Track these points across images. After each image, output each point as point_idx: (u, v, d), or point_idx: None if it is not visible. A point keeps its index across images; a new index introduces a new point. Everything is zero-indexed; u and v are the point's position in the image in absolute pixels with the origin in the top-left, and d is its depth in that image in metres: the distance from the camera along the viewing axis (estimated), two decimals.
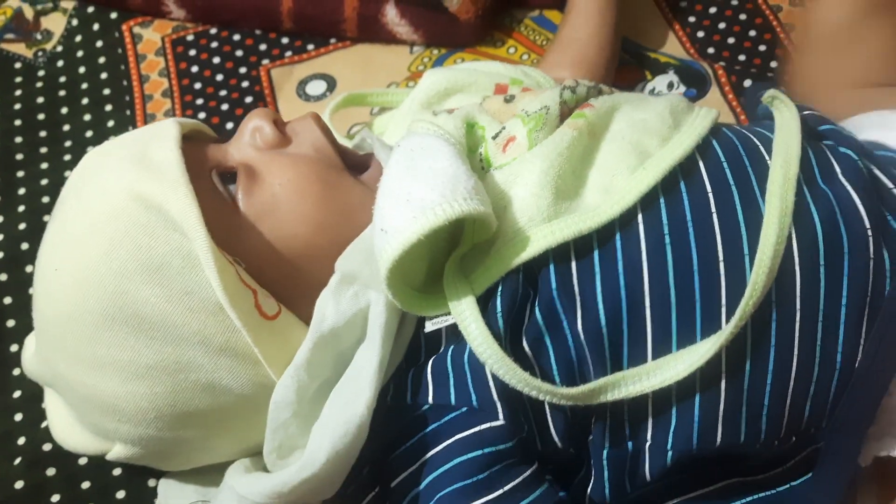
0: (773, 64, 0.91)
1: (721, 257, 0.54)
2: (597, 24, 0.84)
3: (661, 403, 0.54)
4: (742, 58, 0.92)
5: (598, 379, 0.53)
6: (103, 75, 1.00)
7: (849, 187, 0.57)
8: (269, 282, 0.56)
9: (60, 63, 1.02)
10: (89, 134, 0.96)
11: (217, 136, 0.66)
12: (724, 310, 0.54)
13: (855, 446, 0.55)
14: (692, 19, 0.96)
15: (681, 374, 0.52)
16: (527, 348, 0.55)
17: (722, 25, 0.94)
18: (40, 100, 0.99)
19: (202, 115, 0.95)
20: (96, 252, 0.54)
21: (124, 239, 0.53)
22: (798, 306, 0.54)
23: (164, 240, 0.53)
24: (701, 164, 0.58)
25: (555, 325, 0.55)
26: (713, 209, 0.56)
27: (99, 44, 1.03)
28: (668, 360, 0.53)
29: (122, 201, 0.54)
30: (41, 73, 1.02)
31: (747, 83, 0.88)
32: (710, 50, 0.93)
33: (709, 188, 0.57)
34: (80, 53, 1.03)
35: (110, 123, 0.96)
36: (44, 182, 0.92)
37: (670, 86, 0.90)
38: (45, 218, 0.89)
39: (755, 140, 0.60)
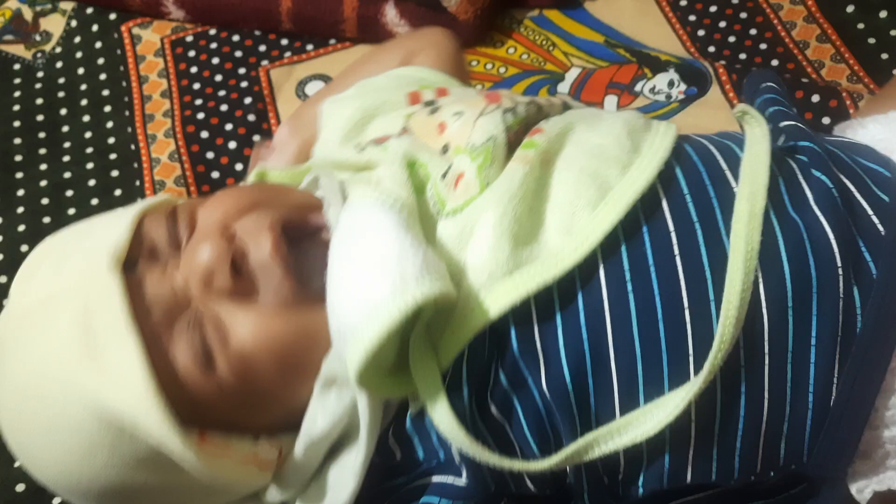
0: (775, 63, 0.90)
1: (686, 304, 0.52)
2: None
3: (632, 453, 0.53)
4: (743, 56, 0.92)
5: (568, 441, 0.52)
6: (102, 76, 1.01)
7: (820, 217, 0.54)
8: (250, 426, 0.55)
9: (59, 64, 1.03)
10: (88, 135, 0.96)
11: (173, 202, 0.59)
12: (691, 359, 0.52)
13: (840, 481, 0.54)
14: (692, 18, 0.95)
15: (650, 432, 0.51)
16: (495, 411, 0.53)
17: (722, 24, 0.94)
18: (39, 101, 1.00)
19: (201, 115, 0.94)
20: (65, 462, 0.52)
21: (95, 453, 0.51)
22: (766, 350, 0.52)
23: (140, 457, 0.51)
24: (663, 198, 0.54)
25: (520, 385, 0.53)
26: (676, 251, 0.53)
27: (98, 45, 1.03)
28: (636, 415, 0.52)
29: (85, 420, 0.50)
30: (40, 74, 1.02)
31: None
32: (711, 49, 0.93)
33: (671, 226, 0.53)
34: (79, 55, 1.03)
35: (109, 124, 0.96)
36: (43, 183, 0.92)
37: (671, 84, 0.90)
38: (45, 220, 0.90)
39: (721, 162, 0.57)
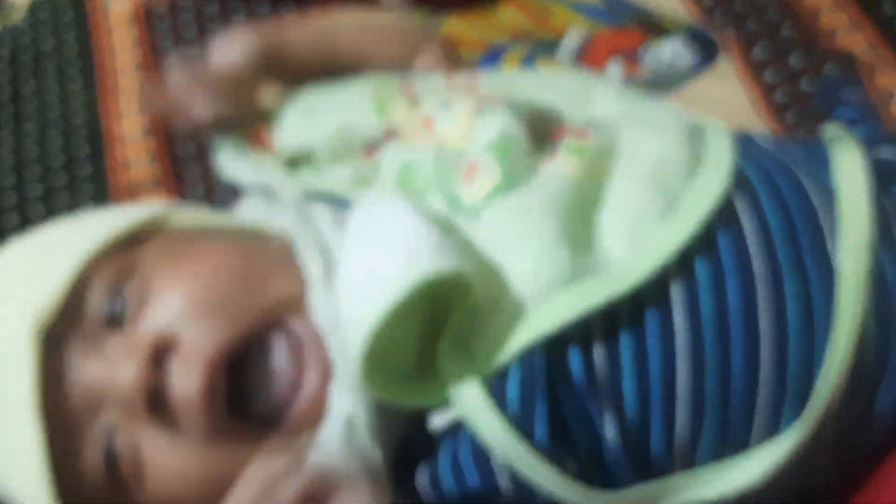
0: (785, 33, 0.86)
1: (763, 357, 0.47)
2: None
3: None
4: (752, 25, 0.87)
5: (630, 480, 0.47)
6: (72, 50, 0.96)
7: None
8: None
9: (27, 38, 0.98)
10: (58, 111, 0.91)
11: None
12: (757, 420, 0.47)
13: None
14: None
15: (737, 485, 0.47)
16: (547, 441, 0.47)
17: None
18: (6, 76, 0.95)
19: None
20: None
21: None
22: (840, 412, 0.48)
23: None
24: (742, 218, 0.49)
25: (580, 414, 0.47)
26: (758, 297, 0.47)
27: (67, 17, 0.99)
28: (719, 467, 0.47)
29: None
30: (8, 48, 0.98)
31: (758, 52, 0.83)
32: (719, 15, 0.88)
33: (752, 253, 0.48)
34: (47, 27, 0.98)
35: (78, 100, 0.92)
36: (7, 161, 0.88)
37: (677, 53, 0.86)
38: (9, 197, 0.85)
39: (809, 194, 0.50)
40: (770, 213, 0.49)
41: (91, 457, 0.49)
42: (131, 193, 0.83)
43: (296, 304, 0.50)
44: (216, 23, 0.94)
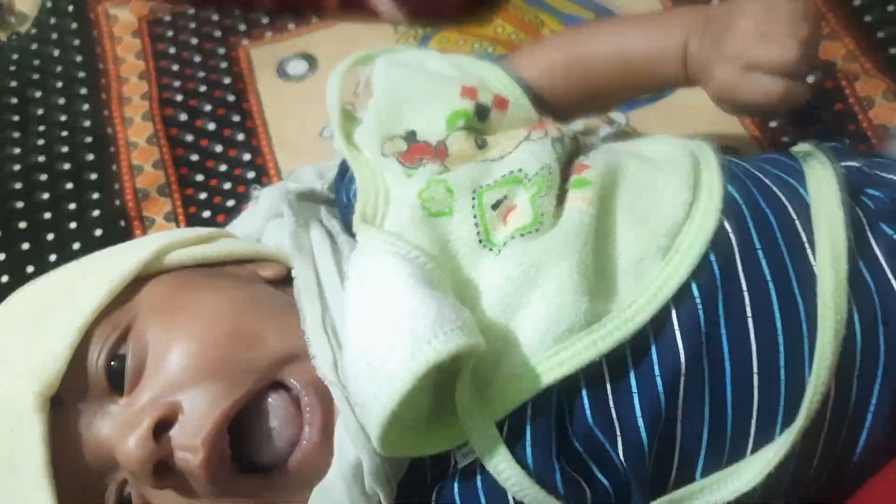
0: None
1: (755, 369, 0.49)
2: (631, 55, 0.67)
3: None
4: None
5: (646, 499, 0.50)
6: (77, 58, 0.97)
7: (891, 277, 0.51)
8: None
9: (34, 46, 0.99)
10: (63, 118, 0.93)
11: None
12: (752, 430, 0.50)
13: None
14: None
15: (741, 489, 0.49)
16: (565, 470, 0.49)
17: (716, 0, 0.91)
18: (13, 83, 0.96)
19: (179, 97, 0.91)
20: None
21: None
22: (827, 416, 0.51)
23: None
24: (733, 240, 0.51)
25: (597, 450, 0.50)
26: (748, 311, 0.50)
27: (73, 26, 1.00)
28: (722, 475, 0.50)
29: None
30: (14, 56, 0.99)
31: None
32: None
33: (742, 281, 0.50)
34: (53, 36, 1.00)
35: (84, 107, 0.93)
36: (16, 168, 0.89)
37: None
38: (18, 204, 0.87)
39: (788, 208, 0.53)
40: (755, 231, 0.52)
41: None
42: (137, 200, 0.85)
43: (293, 356, 0.52)
44: (218, 31, 0.96)
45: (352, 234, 0.57)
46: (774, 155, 0.61)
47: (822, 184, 0.54)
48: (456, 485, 0.51)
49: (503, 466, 0.47)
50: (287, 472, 0.51)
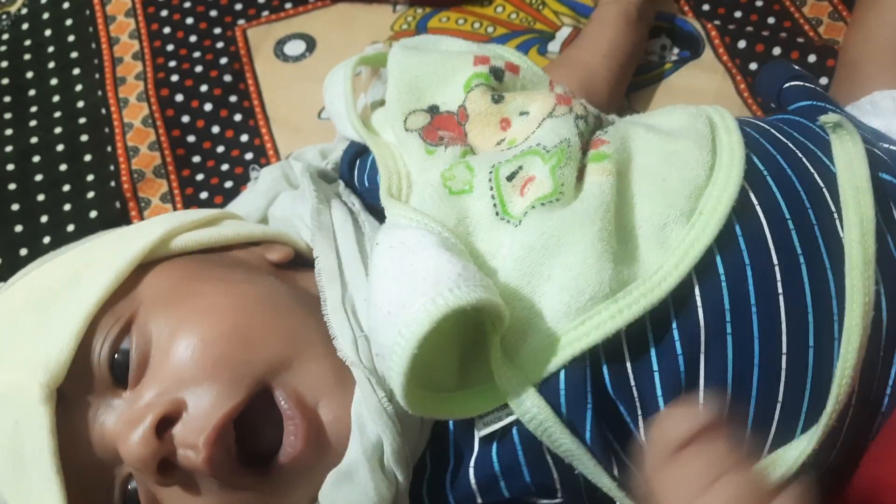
0: (771, 20, 0.87)
1: (784, 349, 0.48)
2: (610, 50, 0.78)
3: None
4: (738, 15, 0.88)
5: None
6: (70, 38, 0.96)
7: None
8: None
9: (25, 26, 0.98)
10: (56, 99, 0.92)
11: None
12: (776, 417, 0.48)
13: None
14: None
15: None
16: (593, 441, 0.48)
17: None
18: (4, 64, 0.95)
19: (175, 77, 0.90)
20: None
21: None
22: (853, 401, 0.49)
23: None
24: (758, 208, 0.50)
25: (618, 423, 0.49)
26: (779, 286, 0.48)
27: (66, 5, 0.99)
28: None
29: None
30: (5, 36, 0.98)
31: (741, 44, 0.84)
32: (705, 7, 0.89)
33: (773, 254, 0.49)
34: (45, 15, 0.98)
35: (78, 88, 0.92)
36: (8, 149, 0.88)
37: (663, 48, 0.87)
38: (11, 186, 0.85)
39: (815, 176, 0.52)
40: (783, 198, 0.51)
41: (111, 502, 0.51)
42: (133, 181, 0.84)
43: (286, 363, 0.51)
44: (214, 11, 0.95)
45: (373, 214, 0.57)
46: (795, 117, 0.59)
47: (851, 157, 0.52)
48: (494, 455, 0.50)
49: (535, 410, 0.46)
50: (281, 468, 0.51)
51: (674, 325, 0.48)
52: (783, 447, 0.49)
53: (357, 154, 0.62)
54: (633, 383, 0.48)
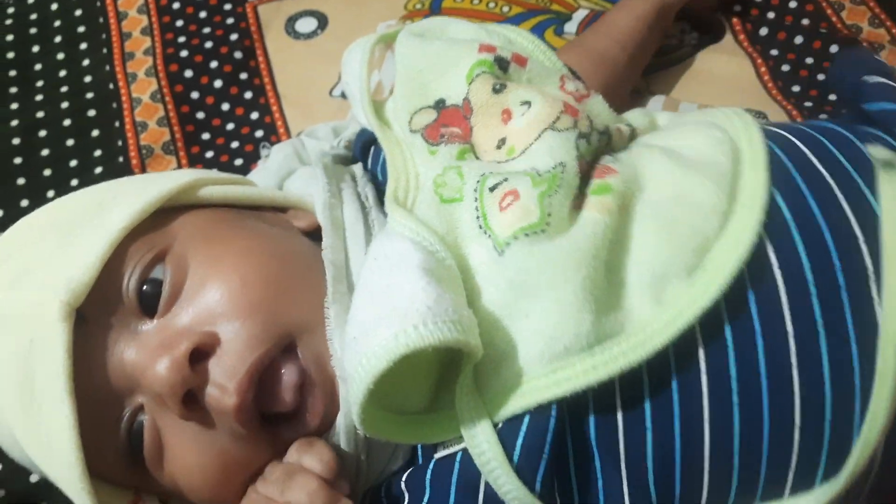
0: (793, 4, 0.85)
1: (798, 422, 0.44)
2: (632, 39, 0.76)
3: None
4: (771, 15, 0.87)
5: None
6: (77, 12, 0.95)
7: None
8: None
9: (32, 0, 0.97)
10: (63, 73, 0.90)
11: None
12: (789, 483, 0.45)
13: None
14: None
15: None
16: (542, 481, 0.46)
17: None
18: (10, 38, 0.94)
19: (184, 53, 0.89)
20: None
21: None
22: (874, 467, 0.45)
23: None
24: (775, 268, 0.45)
25: (587, 483, 0.46)
26: (792, 356, 0.44)
27: None
28: None
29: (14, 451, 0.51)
30: (11, 10, 0.96)
31: (763, 31, 0.83)
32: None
33: (789, 323, 0.44)
34: None
35: (85, 62, 0.91)
36: (14, 123, 0.87)
37: (683, 31, 0.85)
38: (16, 160, 0.84)
39: (852, 222, 0.46)
40: (806, 255, 0.45)
41: (116, 435, 0.49)
42: (141, 157, 0.82)
43: (312, 326, 0.50)
44: None
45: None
46: (843, 131, 0.52)
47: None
48: (429, 472, 0.49)
49: (485, 446, 0.45)
50: (296, 428, 0.50)
51: (672, 380, 0.45)
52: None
53: (370, 142, 0.61)
54: (620, 438, 0.45)
